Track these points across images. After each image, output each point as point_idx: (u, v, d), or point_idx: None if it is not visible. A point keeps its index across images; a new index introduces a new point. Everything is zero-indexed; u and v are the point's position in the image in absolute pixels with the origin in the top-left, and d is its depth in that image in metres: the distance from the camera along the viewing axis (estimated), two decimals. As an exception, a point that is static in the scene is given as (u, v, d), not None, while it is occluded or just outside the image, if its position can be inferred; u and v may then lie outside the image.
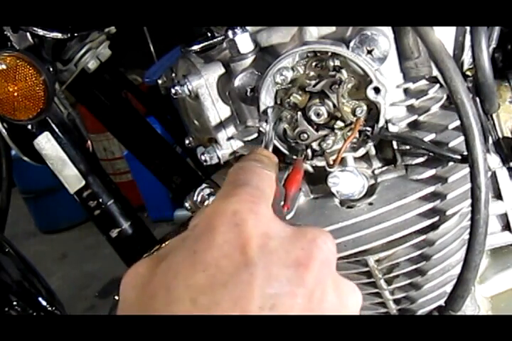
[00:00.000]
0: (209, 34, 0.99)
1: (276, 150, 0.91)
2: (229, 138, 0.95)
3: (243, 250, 0.47)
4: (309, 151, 0.88)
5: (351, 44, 0.83)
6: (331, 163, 0.86)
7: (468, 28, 0.87)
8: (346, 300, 0.50)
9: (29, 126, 1.23)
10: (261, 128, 0.86)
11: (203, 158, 0.96)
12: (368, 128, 0.86)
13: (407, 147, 0.91)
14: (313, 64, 0.86)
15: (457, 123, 0.86)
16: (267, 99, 0.86)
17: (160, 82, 1.10)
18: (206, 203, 1.00)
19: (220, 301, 0.44)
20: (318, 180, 0.94)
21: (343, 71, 0.84)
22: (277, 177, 0.59)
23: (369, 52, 0.83)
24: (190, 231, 0.50)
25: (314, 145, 0.88)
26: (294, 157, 0.89)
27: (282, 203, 0.62)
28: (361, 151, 0.89)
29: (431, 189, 0.90)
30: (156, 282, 0.47)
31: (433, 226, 0.93)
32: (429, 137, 0.88)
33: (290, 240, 0.50)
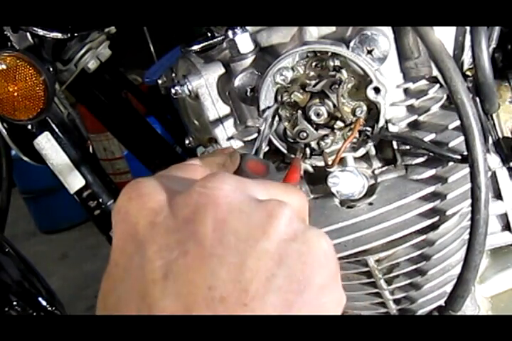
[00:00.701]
0: (209, 34, 0.99)
1: (275, 151, 0.91)
2: (229, 138, 0.95)
3: (133, 238, 0.45)
4: (308, 150, 0.88)
5: (351, 44, 0.83)
6: (330, 162, 0.86)
7: (468, 28, 0.87)
8: (265, 230, 0.45)
9: (29, 126, 1.23)
10: (261, 128, 0.86)
11: (202, 158, 0.95)
12: (368, 128, 0.86)
13: (407, 147, 0.91)
14: (313, 64, 0.86)
15: (457, 123, 0.86)
16: (266, 99, 0.86)
17: (160, 82, 1.10)
18: None
19: (120, 294, 0.45)
20: (318, 180, 0.94)
21: (343, 71, 0.84)
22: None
23: (369, 52, 0.83)
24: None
25: (313, 144, 0.88)
26: (292, 156, 0.89)
27: None
28: (361, 151, 0.89)
29: (431, 189, 0.90)
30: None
31: (433, 226, 0.93)
32: (429, 137, 0.88)
33: (177, 202, 0.46)
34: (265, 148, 0.78)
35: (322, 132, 0.87)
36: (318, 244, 0.46)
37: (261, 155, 0.72)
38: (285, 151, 0.90)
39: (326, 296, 0.46)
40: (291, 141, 0.89)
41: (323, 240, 0.47)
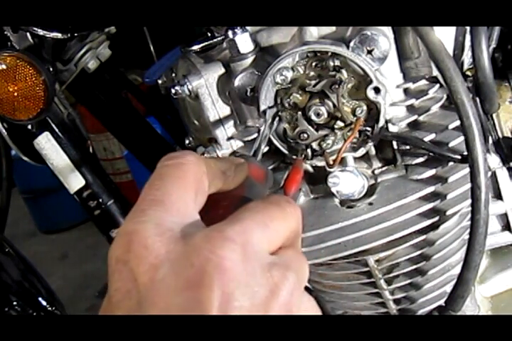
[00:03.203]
0: (209, 34, 0.99)
1: (276, 151, 0.91)
2: (229, 138, 0.95)
3: (131, 295, 0.44)
4: (309, 151, 0.88)
5: (351, 44, 0.83)
6: (331, 163, 0.86)
7: (468, 28, 0.87)
8: (267, 307, 0.45)
9: (29, 126, 1.23)
10: (261, 128, 0.86)
11: (203, 158, 0.95)
12: (368, 128, 0.86)
13: (407, 147, 0.91)
14: (313, 64, 0.86)
15: (457, 123, 0.86)
16: (266, 99, 0.86)
17: (160, 82, 1.10)
18: None
19: None
20: (318, 180, 0.94)
21: (343, 71, 0.84)
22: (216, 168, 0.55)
23: (369, 52, 0.83)
24: None
25: (314, 145, 0.88)
26: (294, 157, 0.89)
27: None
28: (361, 151, 0.89)
29: (431, 189, 0.90)
30: None
31: (433, 226, 0.93)
32: (429, 137, 0.88)
33: (179, 261, 0.44)
34: (264, 149, 0.78)
35: (322, 132, 0.87)
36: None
37: (259, 156, 0.72)
38: (286, 152, 0.90)
39: None
40: (292, 141, 0.89)
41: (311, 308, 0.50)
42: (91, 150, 1.35)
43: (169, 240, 0.45)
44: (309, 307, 0.49)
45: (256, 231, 0.48)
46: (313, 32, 0.87)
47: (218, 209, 0.55)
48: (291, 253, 0.51)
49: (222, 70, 0.92)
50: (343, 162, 0.89)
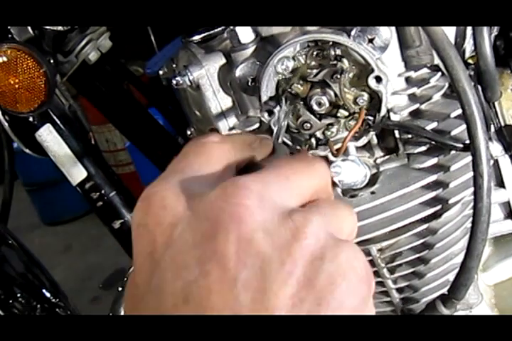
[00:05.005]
0: (209, 24, 0.99)
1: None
2: (230, 129, 0.95)
3: (151, 257, 0.44)
4: (313, 140, 0.88)
5: (352, 33, 0.83)
6: (335, 151, 0.86)
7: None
8: (289, 251, 0.42)
9: (30, 119, 1.23)
10: (262, 119, 0.86)
11: (204, 148, 0.95)
12: (370, 117, 0.86)
13: (409, 136, 0.91)
14: (314, 53, 0.86)
15: (459, 111, 0.86)
16: (268, 89, 0.86)
17: (161, 72, 1.09)
18: None
19: (143, 311, 0.43)
20: (320, 169, 0.94)
21: (344, 60, 0.84)
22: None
23: (370, 40, 0.83)
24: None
25: (318, 134, 0.88)
26: (298, 147, 0.89)
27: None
28: (363, 140, 0.89)
29: (433, 177, 0.90)
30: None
31: (435, 215, 0.93)
32: (431, 126, 0.88)
33: (196, 214, 0.44)
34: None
35: (326, 121, 0.87)
36: (348, 263, 0.43)
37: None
38: (289, 143, 0.90)
39: None
40: (295, 131, 0.89)
41: (354, 257, 0.44)
42: (93, 141, 1.35)
43: (187, 198, 0.45)
44: (352, 258, 0.44)
45: (274, 181, 0.46)
46: (314, 21, 0.87)
47: None
48: (319, 201, 0.49)
49: (223, 60, 0.92)
50: (345, 151, 0.89)
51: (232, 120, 0.95)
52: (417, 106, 0.89)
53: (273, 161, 0.51)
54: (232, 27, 0.87)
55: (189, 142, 0.54)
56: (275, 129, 0.74)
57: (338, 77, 0.83)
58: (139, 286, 0.44)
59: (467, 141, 0.81)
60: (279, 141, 0.70)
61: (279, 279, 0.41)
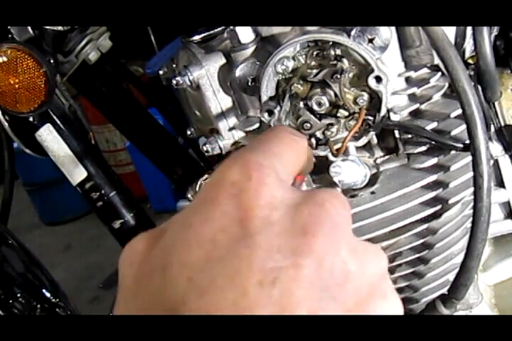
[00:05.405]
0: (209, 24, 0.99)
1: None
2: (231, 129, 0.95)
3: (242, 223, 0.42)
4: (313, 140, 0.88)
5: (352, 33, 0.83)
6: (335, 151, 0.86)
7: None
8: (363, 267, 0.44)
9: (31, 119, 1.23)
10: (262, 119, 0.86)
11: (204, 148, 0.96)
12: (370, 117, 0.86)
13: (409, 136, 0.91)
14: (314, 53, 0.86)
15: (459, 111, 0.86)
16: (268, 89, 0.86)
17: (161, 72, 1.09)
18: None
19: (216, 278, 0.40)
20: (320, 169, 0.94)
21: (344, 60, 0.84)
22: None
23: (370, 40, 0.83)
24: (191, 204, 0.46)
25: (318, 134, 0.88)
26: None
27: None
28: (363, 140, 0.89)
29: (433, 177, 0.90)
30: (153, 259, 0.43)
31: (435, 215, 0.93)
32: (431, 126, 0.88)
33: (296, 207, 0.44)
34: None
35: (326, 121, 0.87)
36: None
37: None
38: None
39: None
40: (294, 131, 0.89)
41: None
42: (93, 141, 1.35)
43: (285, 187, 0.45)
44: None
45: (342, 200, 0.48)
46: (314, 21, 0.87)
47: None
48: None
49: (223, 60, 0.92)
50: (345, 151, 0.89)
51: (232, 120, 0.95)
52: (417, 106, 0.89)
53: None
54: (232, 27, 0.87)
55: (281, 128, 0.55)
56: None
57: (338, 77, 0.83)
58: (217, 241, 0.42)
59: (467, 141, 0.81)
60: None
61: (364, 281, 0.44)
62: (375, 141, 0.93)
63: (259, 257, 0.41)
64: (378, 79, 0.83)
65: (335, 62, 0.84)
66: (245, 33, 0.87)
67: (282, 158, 0.49)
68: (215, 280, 0.40)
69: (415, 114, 0.91)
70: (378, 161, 0.94)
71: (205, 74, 0.92)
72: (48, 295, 1.35)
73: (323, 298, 0.41)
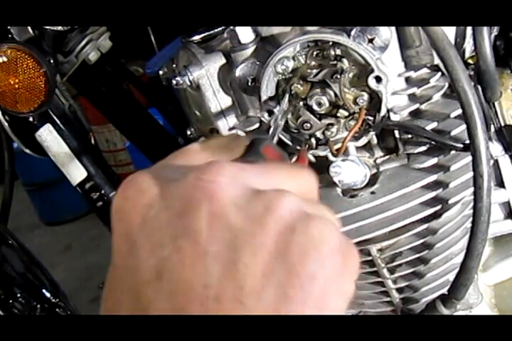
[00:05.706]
0: (209, 24, 0.99)
1: (277, 142, 0.91)
2: (230, 129, 0.95)
3: (127, 237, 0.44)
4: (313, 140, 0.88)
5: (352, 33, 0.83)
6: (335, 151, 0.86)
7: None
8: (261, 221, 0.43)
9: (30, 119, 1.23)
10: (262, 119, 0.86)
11: (205, 148, 0.95)
12: (370, 117, 0.86)
13: (409, 136, 0.91)
14: (314, 53, 0.86)
15: (459, 111, 0.86)
16: (268, 89, 0.86)
17: (161, 72, 1.09)
18: None
19: (120, 298, 0.44)
20: (320, 169, 0.94)
21: (344, 60, 0.84)
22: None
23: (370, 40, 0.83)
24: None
25: (318, 134, 0.88)
26: (298, 147, 0.89)
27: None
28: (363, 140, 0.89)
29: (433, 177, 0.90)
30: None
31: (435, 215, 0.93)
32: (431, 126, 0.88)
33: (170, 194, 0.44)
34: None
35: (326, 121, 0.87)
36: (320, 234, 0.43)
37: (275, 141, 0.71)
38: (289, 143, 0.90)
39: (330, 290, 0.43)
40: (295, 131, 0.89)
41: (327, 229, 0.44)
42: (93, 141, 1.35)
43: (163, 182, 0.45)
44: (324, 229, 0.44)
45: (252, 170, 0.46)
46: (314, 21, 0.87)
47: None
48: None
49: (223, 60, 0.92)
50: (345, 151, 0.89)
51: (232, 120, 0.95)
52: (417, 106, 0.89)
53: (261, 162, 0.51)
54: (232, 27, 0.87)
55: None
56: (271, 128, 0.74)
57: (338, 77, 0.83)
58: (116, 267, 0.45)
59: (467, 141, 0.81)
60: (275, 140, 0.70)
61: (250, 250, 0.41)
62: (375, 141, 0.93)
63: (142, 260, 0.42)
64: (378, 79, 0.83)
65: (335, 62, 0.84)
66: (245, 33, 0.87)
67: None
68: (117, 298, 0.44)
69: (415, 114, 0.91)
70: (378, 161, 0.94)
71: (205, 74, 0.92)
72: (48, 295, 1.35)
73: (211, 266, 0.41)
